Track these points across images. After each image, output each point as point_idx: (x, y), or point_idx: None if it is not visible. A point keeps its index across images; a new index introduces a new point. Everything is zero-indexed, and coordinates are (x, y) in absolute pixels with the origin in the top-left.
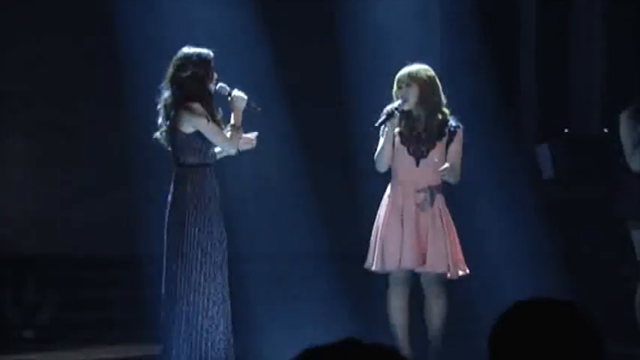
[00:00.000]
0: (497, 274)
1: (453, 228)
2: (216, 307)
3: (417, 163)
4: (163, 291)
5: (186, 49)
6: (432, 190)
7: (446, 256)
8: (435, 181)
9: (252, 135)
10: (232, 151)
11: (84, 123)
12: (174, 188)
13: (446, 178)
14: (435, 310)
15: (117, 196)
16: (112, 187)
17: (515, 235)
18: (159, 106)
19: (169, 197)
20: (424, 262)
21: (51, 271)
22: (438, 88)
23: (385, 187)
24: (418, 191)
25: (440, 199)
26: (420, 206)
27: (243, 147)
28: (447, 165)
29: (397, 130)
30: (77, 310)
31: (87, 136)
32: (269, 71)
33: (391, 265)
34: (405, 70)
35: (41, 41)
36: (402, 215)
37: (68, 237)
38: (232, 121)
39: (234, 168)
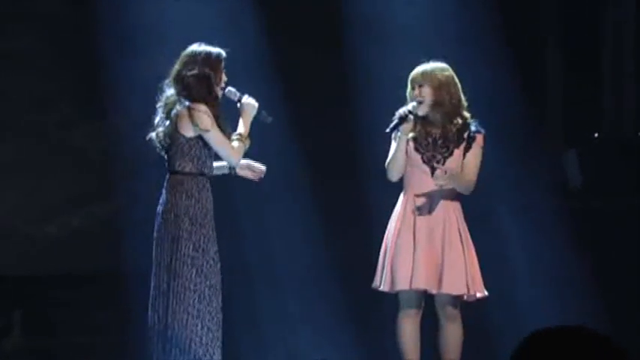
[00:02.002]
0: (518, 295)
1: (472, 244)
2: (211, 334)
3: (432, 173)
4: (150, 313)
5: (196, 46)
6: (452, 173)
7: (464, 276)
8: (453, 192)
9: (261, 167)
10: (235, 163)
11: (58, 126)
12: (167, 197)
13: (440, 181)
14: (450, 334)
15: (96, 207)
16: (91, 197)
17: (538, 252)
18: (159, 104)
19: (160, 207)
20: (440, 283)
21: (19, 293)
22: (457, 89)
23: (397, 198)
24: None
25: (458, 211)
26: (435, 179)
27: (243, 173)
28: (443, 170)
29: (411, 135)
30: (48, 336)
31: (61, 141)
32: (267, 74)
33: (402, 285)
34: (419, 69)
35: (10, 37)
36: (414, 230)
37: (40, 253)
38: (239, 130)
39: (229, 180)
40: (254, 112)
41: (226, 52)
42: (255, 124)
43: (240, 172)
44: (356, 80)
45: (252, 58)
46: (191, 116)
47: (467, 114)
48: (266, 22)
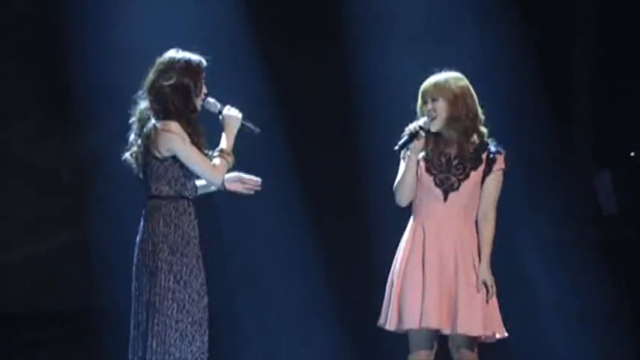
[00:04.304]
0: (544, 334)
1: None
2: None
3: (445, 198)
4: (130, 356)
5: (174, 53)
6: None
7: (481, 314)
8: (467, 218)
9: (254, 178)
10: (217, 183)
11: (21, 142)
12: (145, 225)
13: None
14: None
15: (65, 235)
16: (59, 223)
17: (567, 286)
18: (132, 119)
19: (138, 237)
20: (454, 322)
21: None
22: (474, 101)
23: (405, 225)
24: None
25: (473, 239)
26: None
27: (234, 187)
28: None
29: (422, 154)
30: None
31: (26, 159)
32: (261, 82)
33: (410, 324)
34: (431, 81)
35: None
36: (424, 261)
37: (2, 287)
38: (221, 145)
39: (218, 202)
40: (238, 125)
41: (207, 61)
42: (244, 135)
43: (231, 187)
44: (357, 88)
45: (242, 61)
46: (164, 137)
47: (484, 129)
48: (261, 27)
